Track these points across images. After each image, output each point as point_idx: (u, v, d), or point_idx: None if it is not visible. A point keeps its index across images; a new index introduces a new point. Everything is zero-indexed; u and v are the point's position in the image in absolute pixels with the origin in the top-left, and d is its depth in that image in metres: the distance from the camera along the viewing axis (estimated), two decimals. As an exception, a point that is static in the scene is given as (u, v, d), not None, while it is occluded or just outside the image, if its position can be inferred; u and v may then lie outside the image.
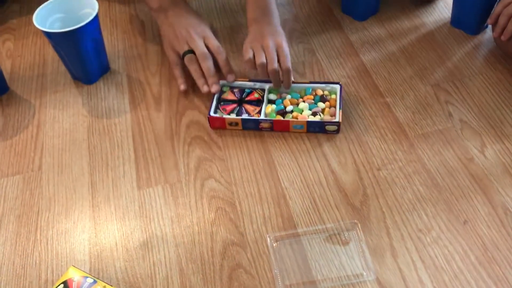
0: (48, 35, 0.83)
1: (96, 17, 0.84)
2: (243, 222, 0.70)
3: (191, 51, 0.86)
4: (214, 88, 0.84)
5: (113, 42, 1.00)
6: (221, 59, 0.86)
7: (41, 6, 0.86)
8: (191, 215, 0.72)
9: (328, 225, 0.69)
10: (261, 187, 0.75)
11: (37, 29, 0.82)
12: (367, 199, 0.72)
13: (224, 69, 0.87)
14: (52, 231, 0.71)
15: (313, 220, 0.70)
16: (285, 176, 0.76)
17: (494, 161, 0.75)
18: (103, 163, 0.79)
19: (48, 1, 0.87)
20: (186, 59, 0.86)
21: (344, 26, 1.00)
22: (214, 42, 0.87)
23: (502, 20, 0.83)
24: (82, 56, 0.86)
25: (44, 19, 0.86)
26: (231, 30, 1.01)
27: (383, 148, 0.78)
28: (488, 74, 0.88)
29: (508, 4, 0.83)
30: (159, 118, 0.85)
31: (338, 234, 0.68)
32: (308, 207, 0.71)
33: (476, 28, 0.95)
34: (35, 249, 0.69)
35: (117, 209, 0.73)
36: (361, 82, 0.89)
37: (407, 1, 1.05)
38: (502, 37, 0.83)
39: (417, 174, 0.75)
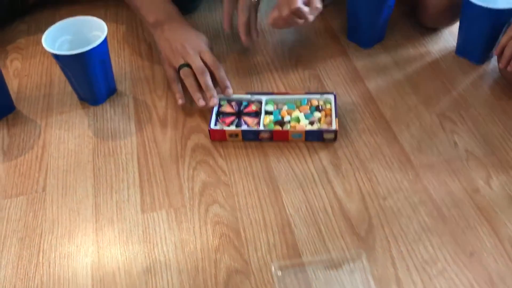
0: (57, 57, 0.84)
1: (105, 39, 0.85)
2: (248, 250, 0.70)
3: (187, 65, 0.87)
4: (213, 102, 0.85)
5: (120, 64, 1.00)
6: (218, 74, 0.87)
7: (49, 28, 0.87)
8: (195, 241, 0.71)
9: (333, 254, 0.69)
10: (266, 213, 0.74)
11: (45, 49, 0.83)
12: (372, 229, 0.71)
13: (221, 84, 0.88)
14: (54, 254, 0.71)
15: (318, 248, 0.69)
16: (290, 203, 0.75)
17: (500, 193, 0.75)
18: (107, 186, 0.79)
19: (56, 23, 0.88)
20: (181, 72, 0.87)
21: (350, 53, 1.01)
22: (210, 57, 0.88)
23: (508, 52, 0.84)
24: (90, 78, 0.87)
25: (53, 41, 0.86)
26: (238, 55, 1.01)
27: (389, 177, 0.78)
28: (494, 104, 0.88)
29: None
30: (165, 141, 0.85)
31: (343, 263, 0.68)
32: (313, 236, 0.71)
33: (481, 58, 0.95)
34: (37, 273, 0.69)
35: (120, 233, 0.73)
36: (367, 109, 0.89)
37: (412, 29, 1.06)
38: (509, 68, 0.84)
39: (423, 204, 0.74)
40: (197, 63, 0.86)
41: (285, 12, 0.83)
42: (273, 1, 0.89)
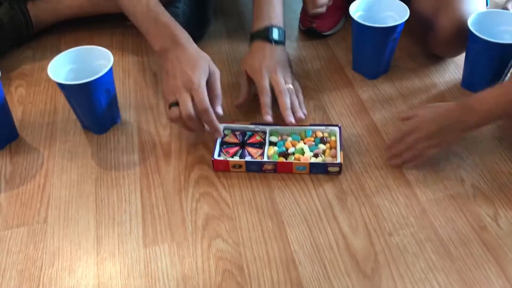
0: (62, 86, 0.84)
1: (110, 69, 0.85)
2: (251, 287, 0.69)
3: (177, 104, 0.81)
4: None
5: (125, 93, 1.00)
6: (203, 117, 0.81)
7: (55, 57, 0.87)
8: (197, 277, 0.70)
9: (339, 293, 0.67)
10: (270, 249, 0.73)
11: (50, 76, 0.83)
12: (378, 266, 0.70)
13: (209, 128, 0.84)
14: (54, 288, 0.70)
15: (323, 287, 0.68)
16: (295, 238, 0.74)
17: (507, 230, 0.74)
18: (109, 218, 0.78)
19: (62, 52, 0.88)
20: (170, 111, 0.82)
21: (355, 84, 1.01)
22: (199, 95, 0.80)
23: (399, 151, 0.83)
24: (94, 107, 0.87)
25: (58, 70, 0.86)
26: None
27: (395, 212, 0.77)
28: (499, 139, 0.88)
29: None
30: (168, 172, 0.85)
31: (349, 303, 0.67)
32: (318, 273, 0.70)
33: (487, 91, 0.95)
34: (36, 308, 0.67)
35: (122, 267, 0.72)
36: (372, 142, 0.89)
37: (417, 61, 1.06)
38: (393, 162, 0.84)
39: (429, 241, 0.73)
40: (184, 107, 0.80)
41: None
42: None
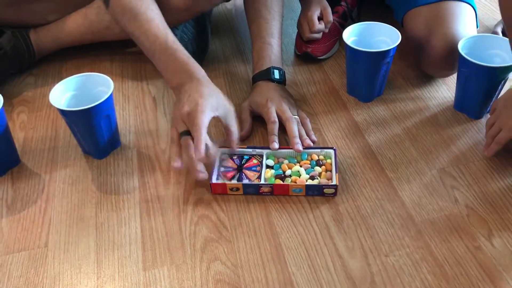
0: (63, 112, 0.86)
1: (111, 95, 0.87)
2: (249, 309, 0.69)
3: (188, 132, 0.82)
4: (200, 176, 0.82)
5: (125, 117, 1.02)
6: (197, 157, 0.79)
7: (56, 84, 0.89)
8: (197, 300, 0.71)
9: (336, 315, 0.68)
10: (268, 271, 0.74)
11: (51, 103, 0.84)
12: (375, 287, 0.71)
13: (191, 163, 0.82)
14: (55, 313, 0.70)
15: (321, 308, 0.69)
16: (292, 260, 0.75)
17: (502, 250, 0.75)
18: (109, 241, 0.79)
19: (63, 80, 0.90)
20: (181, 140, 0.83)
21: (350, 107, 1.03)
22: (197, 134, 0.79)
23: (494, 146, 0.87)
24: (95, 132, 0.88)
25: (60, 96, 0.88)
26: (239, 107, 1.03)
27: (391, 233, 0.78)
28: (492, 160, 0.89)
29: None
30: (167, 196, 0.86)
31: (346, 324, 0.67)
32: (315, 295, 0.71)
33: (479, 113, 0.97)
34: (36, 333, 0.68)
35: (122, 291, 0.72)
36: (367, 164, 0.90)
37: (411, 84, 1.08)
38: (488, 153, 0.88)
39: (425, 262, 0.74)
40: (194, 138, 0.80)
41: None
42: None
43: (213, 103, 0.84)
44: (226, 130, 0.87)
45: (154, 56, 0.91)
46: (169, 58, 0.89)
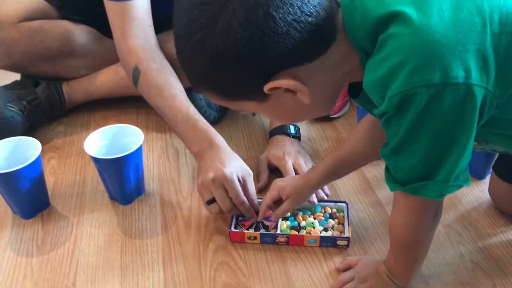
0: (96, 160, 0.92)
1: (141, 146, 0.94)
2: None
3: (215, 200, 0.89)
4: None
5: (149, 166, 1.09)
6: (242, 210, 0.90)
7: (90, 135, 0.96)
8: None
9: None
10: (284, 317, 0.78)
11: (80, 149, 0.92)
12: (386, 336, 0.75)
13: (246, 216, 0.91)
14: None
15: None
16: (307, 307, 0.79)
17: (506, 304, 0.79)
18: (133, 283, 0.84)
19: (96, 130, 0.97)
20: (209, 209, 0.91)
21: (361, 163, 1.09)
22: (234, 193, 0.88)
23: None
24: (123, 179, 0.95)
25: (92, 145, 0.95)
26: (255, 161, 1.10)
27: (400, 285, 0.83)
28: (495, 217, 0.95)
29: None
30: (189, 241, 0.91)
31: None
32: None
33: (482, 174, 1.03)
34: None
35: (145, 331, 0.76)
36: (377, 217, 0.96)
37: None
38: None
39: (433, 313, 0.78)
40: (223, 203, 0.89)
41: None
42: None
43: (235, 165, 0.91)
44: (245, 191, 0.91)
45: (176, 126, 1.00)
46: (191, 127, 0.97)
